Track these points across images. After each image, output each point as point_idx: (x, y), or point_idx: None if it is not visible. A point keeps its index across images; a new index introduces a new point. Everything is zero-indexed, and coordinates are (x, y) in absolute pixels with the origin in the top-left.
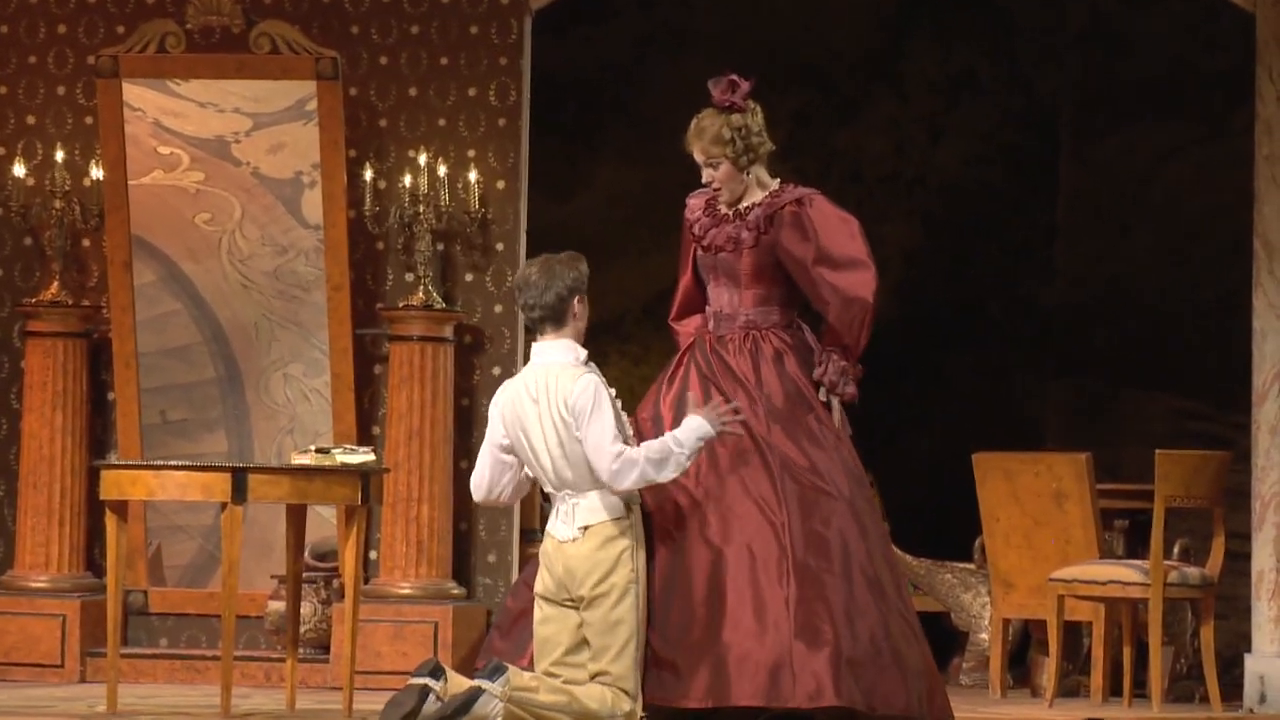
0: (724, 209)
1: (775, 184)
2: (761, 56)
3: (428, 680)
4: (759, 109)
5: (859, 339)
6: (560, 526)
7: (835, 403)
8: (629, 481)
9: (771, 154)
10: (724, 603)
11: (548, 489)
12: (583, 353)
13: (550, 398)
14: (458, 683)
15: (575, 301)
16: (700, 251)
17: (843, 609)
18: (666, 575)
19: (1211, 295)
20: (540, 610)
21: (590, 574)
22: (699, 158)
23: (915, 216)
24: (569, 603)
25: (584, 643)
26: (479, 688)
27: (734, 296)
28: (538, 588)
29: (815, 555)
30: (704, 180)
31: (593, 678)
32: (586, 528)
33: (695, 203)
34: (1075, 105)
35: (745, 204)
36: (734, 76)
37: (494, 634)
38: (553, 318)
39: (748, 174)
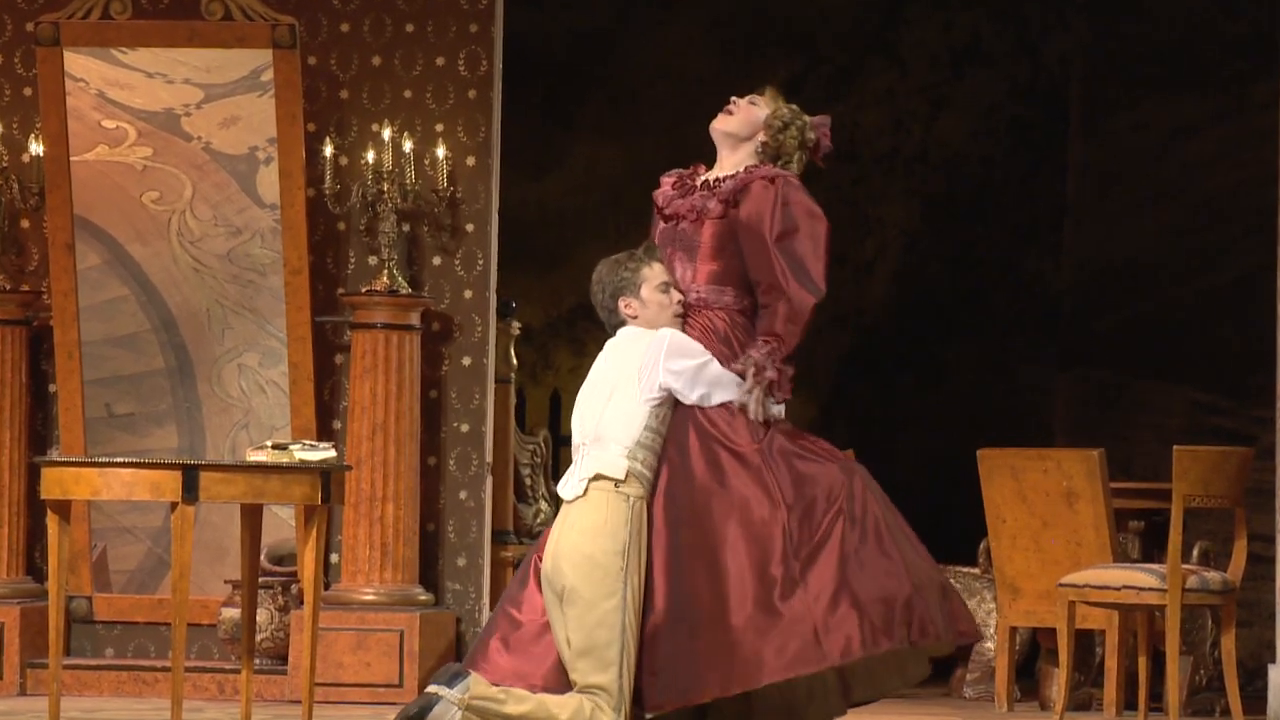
0: (696, 181)
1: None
2: (747, 24)
3: (442, 689)
4: (801, 163)
5: (791, 334)
6: (570, 484)
7: (753, 396)
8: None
9: (790, 168)
10: (729, 593)
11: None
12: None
13: (619, 352)
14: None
15: (621, 304)
16: (661, 224)
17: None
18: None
19: (1231, 279)
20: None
21: (575, 564)
22: (747, 97)
23: (915, 196)
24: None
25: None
26: (435, 694)
27: (687, 272)
28: (542, 579)
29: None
30: (728, 109)
31: (575, 684)
32: (590, 481)
33: (668, 180)
34: (1086, 75)
35: (719, 175)
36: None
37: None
38: (609, 322)
39: (755, 144)
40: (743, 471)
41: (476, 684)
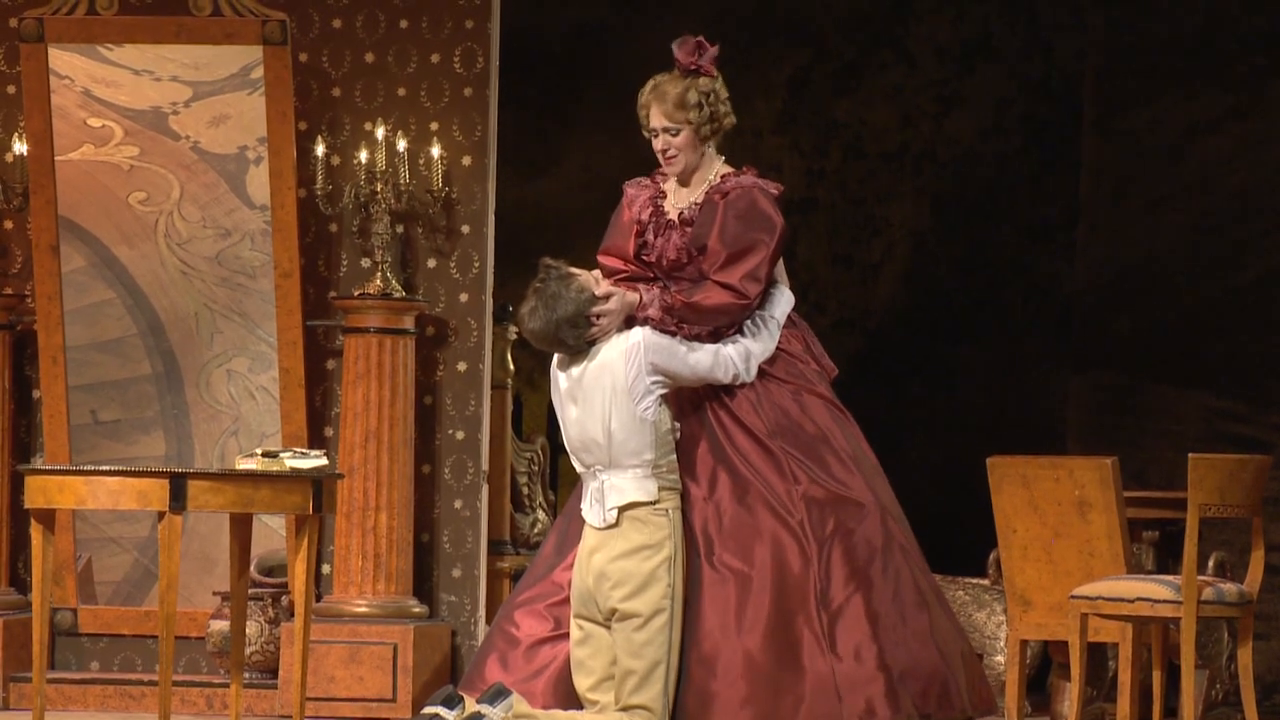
0: (670, 213)
1: (721, 169)
2: (752, 18)
3: (440, 709)
4: (721, 78)
5: (688, 315)
6: (597, 512)
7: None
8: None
9: (730, 131)
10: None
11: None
12: None
13: (601, 366)
14: None
15: (591, 321)
16: (647, 259)
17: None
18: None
19: (1249, 281)
20: (578, 630)
21: (621, 584)
22: (656, 123)
23: (923, 195)
24: (601, 620)
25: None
26: (478, 713)
27: None
28: (573, 603)
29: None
30: (658, 149)
31: (618, 704)
32: (621, 510)
33: (637, 195)
34: (1100, 71)
35: (690, 201)
36: (701, 38)
37: (491, 664)
38: (576, 347)
39: (706, 148)
40: (770, 516)
41: (519, 702)
